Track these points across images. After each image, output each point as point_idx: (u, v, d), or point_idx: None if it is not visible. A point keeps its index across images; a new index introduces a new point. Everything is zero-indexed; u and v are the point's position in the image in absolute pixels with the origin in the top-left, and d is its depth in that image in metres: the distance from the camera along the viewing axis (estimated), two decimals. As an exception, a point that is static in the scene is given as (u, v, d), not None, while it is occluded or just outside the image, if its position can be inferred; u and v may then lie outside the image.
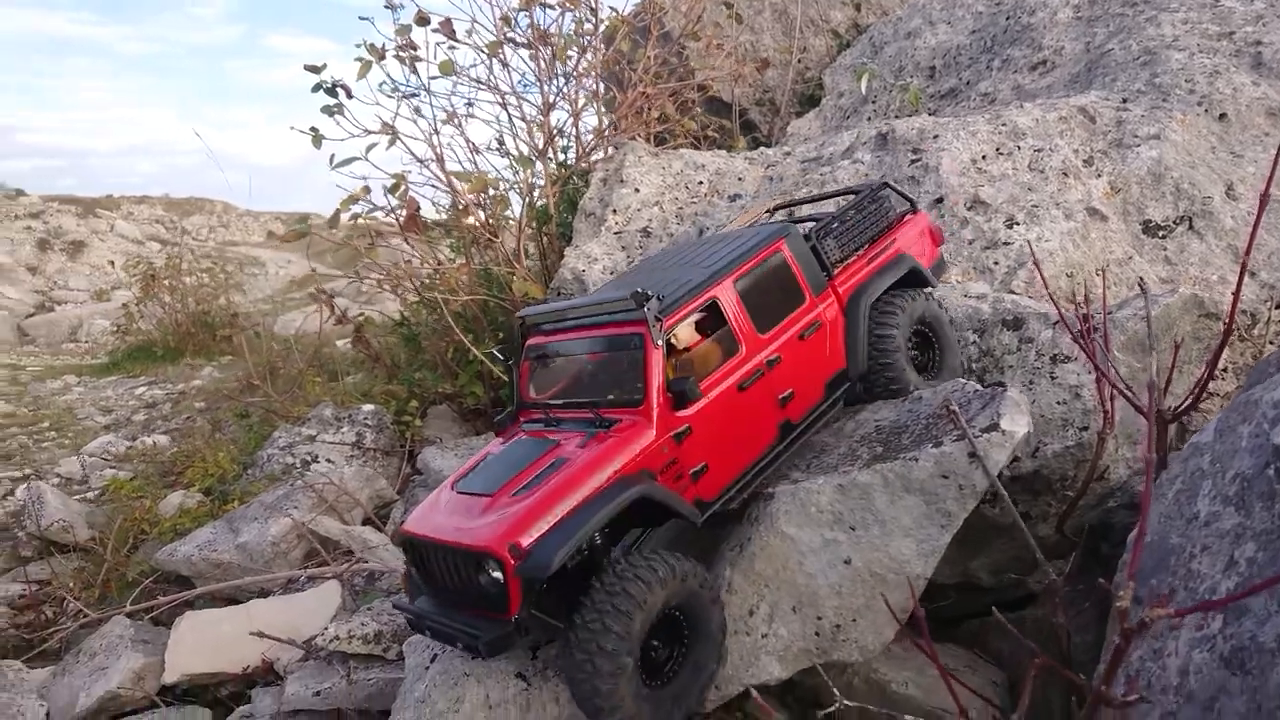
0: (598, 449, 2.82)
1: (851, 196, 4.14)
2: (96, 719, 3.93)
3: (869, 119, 6.95)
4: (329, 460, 6.40)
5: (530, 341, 3.50)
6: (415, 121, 6.76)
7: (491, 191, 6.26)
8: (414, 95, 6.82)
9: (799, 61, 8.40)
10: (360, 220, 6.59)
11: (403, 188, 6.50)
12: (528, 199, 6.48)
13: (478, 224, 6.23)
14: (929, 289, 3.75)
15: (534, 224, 6.62)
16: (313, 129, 6.63)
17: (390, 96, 6.75)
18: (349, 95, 6.66)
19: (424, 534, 2.88)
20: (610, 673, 2.52)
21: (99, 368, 13.33)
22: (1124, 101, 5.59)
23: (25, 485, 6.46)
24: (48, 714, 3.87)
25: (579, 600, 2.62)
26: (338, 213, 6.12)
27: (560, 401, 3.28)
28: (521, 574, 2.54)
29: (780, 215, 4.65)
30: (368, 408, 7.00)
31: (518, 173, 6.69)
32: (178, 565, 5.04)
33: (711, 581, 2.77)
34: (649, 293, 2.96)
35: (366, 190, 6.28)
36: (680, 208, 5.83)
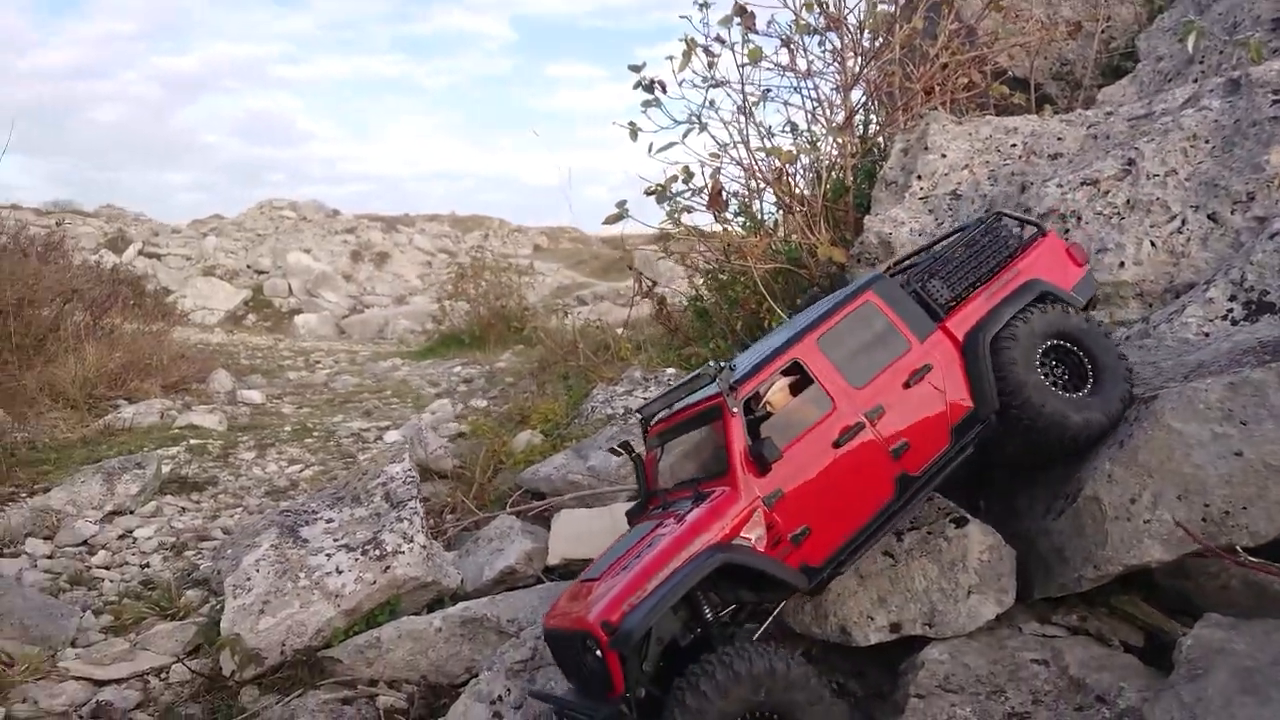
0: (688, 522, 2.87)
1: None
2: (496, 587, 4.76)
3: (1195, 80, 6.61)
4: (645, 411, 7.14)
5: (650, 433, 3.60)
6: (717, 110, 7.30)
7: (798, 163, 6.70)
8: (719, 85, 7.45)
9: (1103, 31, 8.10)
10: (673, 204, 7.29)
11: (711, 168, 7.14)
12: (827, 173, 6.84)
13: (784, 192, 6.68)
14: (1067, 305, 3.40)
15: (830, 195, 6.97)
16: (631, 123, 7.46)
17: (698, 88, 7.42)
18: (664, 90, 7.41)
19: (549, 624, 3.10)
20: None
21: (417, 353, 15.41)
22: None
23: (405, 425, 7.79)
24: (462, 580, 4.75)
25: (675, 678, 2.65)
26: (661, 190, 6.84)
27: (674, 486, 3.35)
28: (614, 647, 2.63)
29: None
30: (670, 371, 7.70)
31: (818, 147, 7.09)
32: (539, 483, 5.90)
33: (819, 689, 2.66)
34: (723, 363, 3.05)
35: (687, 171, 6.97)
36: (992, 170, 5.92)
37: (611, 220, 7.63)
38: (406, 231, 29.86)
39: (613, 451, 3.72)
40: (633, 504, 3.68)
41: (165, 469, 7.16)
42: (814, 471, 2.96)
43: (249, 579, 4.02)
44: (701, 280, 8.40)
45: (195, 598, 4.97)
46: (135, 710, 3.95)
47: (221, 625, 3.98)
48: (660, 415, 3.54)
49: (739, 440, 2.92)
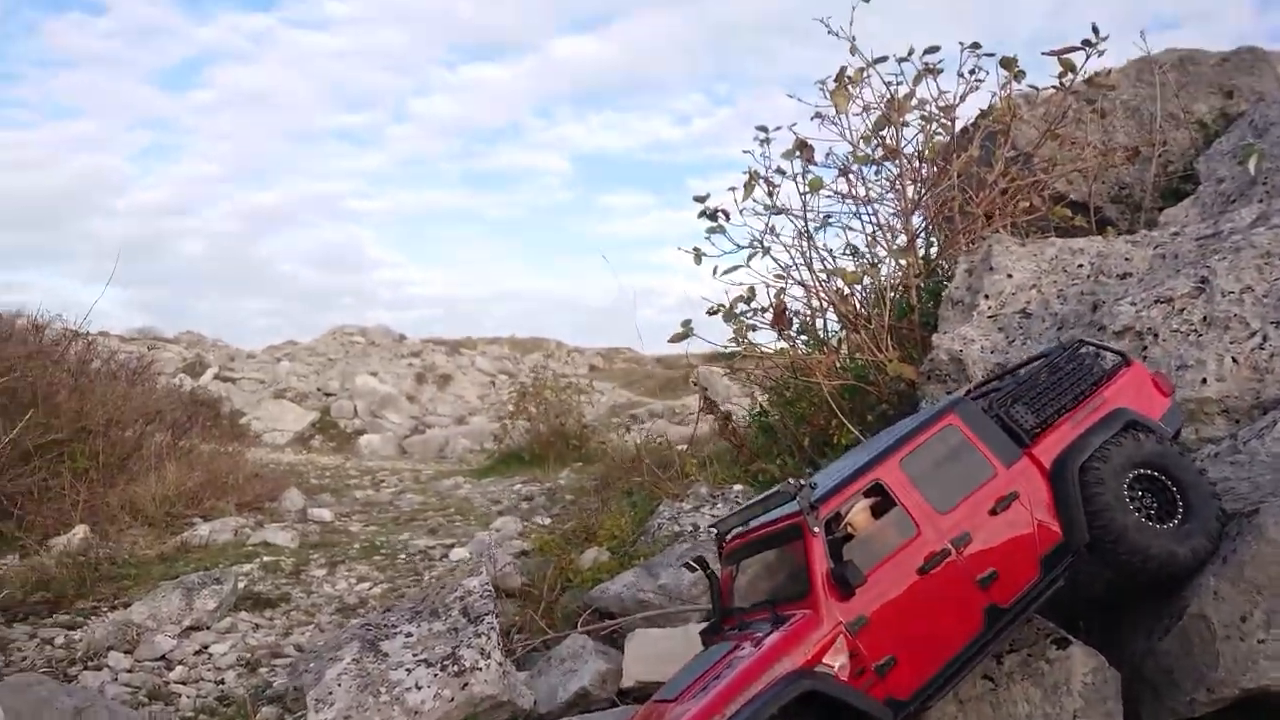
0: (767, 645, 2.81)
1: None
2: (570, 710, 4.67)
3: (1260, 200, 6.69)
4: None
5: (726, 550, 3.56)
6: (778, 235, 7.61)
7: (861, 285, 6.87)
8: (781, 212, 7.77)
9: (1159, 155, 8.29)
10: (738, 322, 7.49)
11: (775, 289, 7.37)
12: (892, 292, 6.98)
13: (849, 311, 6.83)
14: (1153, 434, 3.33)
15: (896, 314, 7.09)
16: (695, 249, 7.81)
17: (759, 215, 7.76)
18: (727, 218, 7.77)
19: None
20: None
21: (478, 471, 15.58)
22: None
23: (471, 542, 7.84)
24: (535, 701, 4.68)
25: None
26: (729, 309, 7.06)
27: (750, 604, 3.30)
28: None
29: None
30: (738, 487, 7.69)
31: (879, 268, 7.27)
32: (608, 602, 5.85)
33: None
34: (804, 482, 3.01)
35: (751, 291, 7.20)
36: (1060, 290, 5.99)
37: (677, 339, 7.84)
38: (468, 354, 30.75)
39: (687, 567, 3.72)
40: (707, 624, 3.61)
41: (240, 585, 7.28)
42: (899, 598, 2.88)
43: (331, 693, 4.04)
44: (764, 396, 8.48)
45: (270, 714, 4.98)
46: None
47: (303, 742, 3.98)
48: (736, 531, 3.50)
49: (821, 562, 2.86)
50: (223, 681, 5.69)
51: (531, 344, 33.17)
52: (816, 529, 2.90)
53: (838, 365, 7.06)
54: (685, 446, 10.49)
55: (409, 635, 4.46)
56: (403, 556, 8.64)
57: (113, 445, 10.73)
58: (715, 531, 3.63)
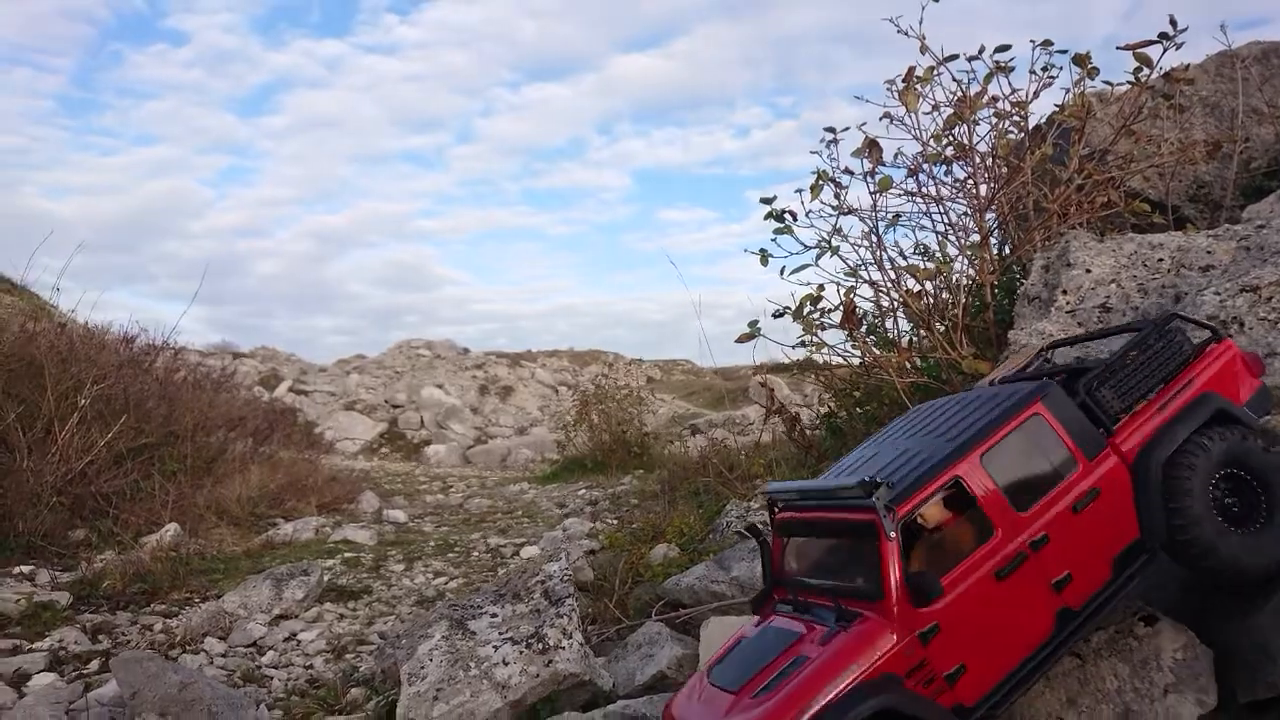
0: (835, 649, 2.74)
1: (1130, 335, 3.62)
2: (647, 693, 4.75)
3: (1348, 191, 6.49)
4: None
5: (779, 517, 3.43)
6: (846, 236, 7.64)
7: (934, 281, 6.86)
8: (849, 213, 7.81)
9: (1242, 152, 8.09)
10: (807, 322, 7.53)
11: (844, 288, 7.40)
12: (966, 290, 6.95)
13: (922, 309, 6.82)
14: (1243, 428, 3.16)
15: (970, 312, 7.05)
16: (761, 250, 7.88)
17: (825, 218, 7.80)
18: (794, 219, 7.83)
19: None
20: None
21: (542, 478, 15.83)
22: None
23: (542, 539, 8.01)
24: (614, 684, 4.78)
25: None
26: (798, 308, 7.11)
27: (808, 583, 3.20)
28: None
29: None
30: (807, 489, 7.71)
31: (951, 265, 7.25)
32: (680, 594, 5.93)
33: None
34: (879, 480, 2.81)
35: (820, 290, 7.24)
36: (1141, 284, 5.90)
37: (744, 339, 7.90)
38: (529, 366, 31.22)
39: (740, 534, 3.60)
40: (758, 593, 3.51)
41: (324, 578, 7.57)
42: (972, 605, 2.77)
43: (423, 667, 4.21)
44: (830, 396, 8.47)
45: (359, 695, 5.17)
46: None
47: (398, 711, 4.15)
48: (791, 501, 3.39)
49: (894, 567, 2.74)
50: (311, 666, 5.93)
51: (590, 356, 33.51)
52: (893, 534, 2.75)
53: (910, 364, 7.04)
54: (753, 449, 10.51)
55: (494, 616, 4.61)
56: (475, 554, 8.86)
57: (199, 450, 11.27)
58: (768, 496, 3.48)
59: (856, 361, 7.52)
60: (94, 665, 5.77)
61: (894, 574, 2.73)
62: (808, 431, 8.21)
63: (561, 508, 11.96)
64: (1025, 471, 2.92)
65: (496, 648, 4.31)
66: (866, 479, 2.81)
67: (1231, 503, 3.05)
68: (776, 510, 3.46)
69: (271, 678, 5.75)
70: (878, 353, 7.76)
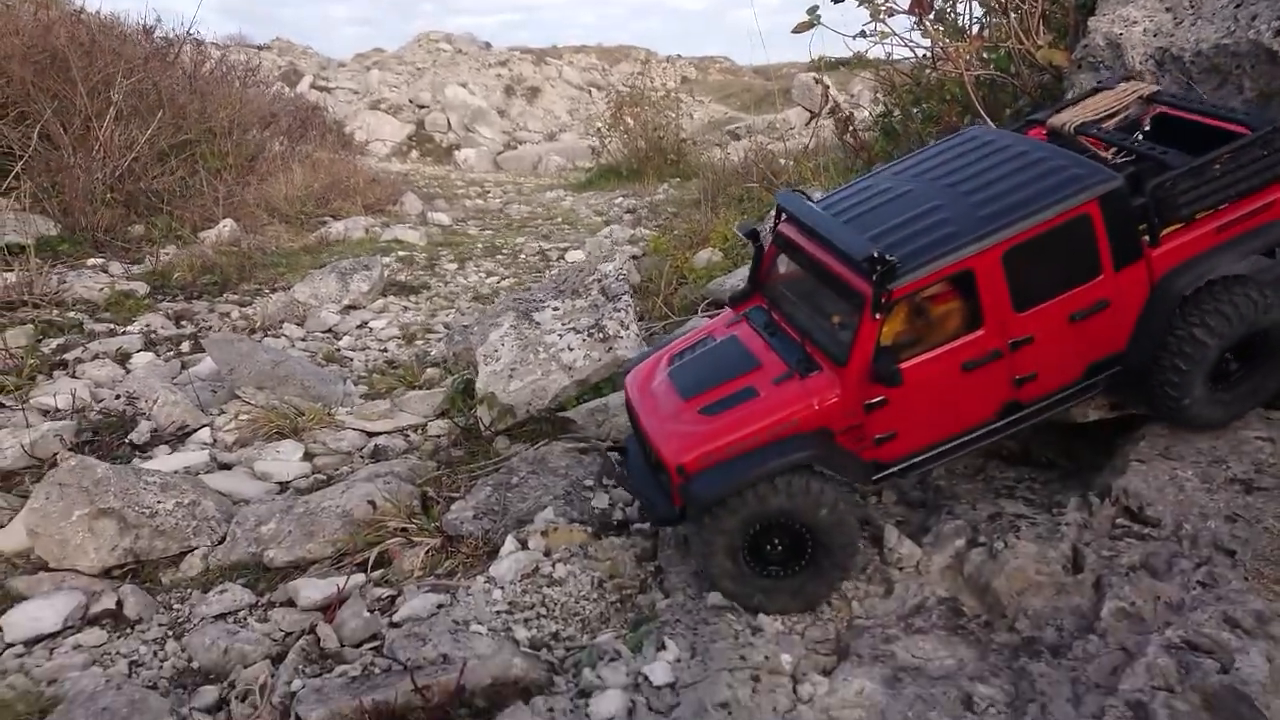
0: (784, 394, 2.77)
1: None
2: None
3: None
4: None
5: (780, 229, 3.23)
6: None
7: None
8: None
9: None
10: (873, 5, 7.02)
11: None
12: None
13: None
14: None
15: None
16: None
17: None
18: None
19: (635, 410, 3.14)
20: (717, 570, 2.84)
21: (577, 185, 15.78)
22: None
23: (585, 244, 8.23)
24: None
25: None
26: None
27: (784, 309, 3.11)
28: (680, 493, 2.80)
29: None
30: (852, 194, 7.71)
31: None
32: (723, 294, 6.18)
33: (846, 511, 2.76)
34: (887, 257, 2.56)
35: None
36: (1243, -33, 5.38)
37: (801, 28, 7.43)
38: (555, 64, 29.73)
39: (740, 232, 3.44)
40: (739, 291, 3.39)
41: (385, 274, 7.94)
42: (928, 390, 2.73)
43: (497, 350, 4.59)
44: (888, 96, 8.14)
45: (434, 374, 5.69)
46: (405, 454, 4.69)
47: (477, 386, 4.61)
48: (795, 219, 3.14)
49: (865, 344, 2.66)
50: (386, 349, 6.45)
51: (620, 53, 31.70)
52: (877, 315, 2.62)
53: (981, 54, 6.66)
54: (800, 154, 10.32)
55: (556, 309, 4.92)
56: (523, 256, 9.16)
57: (238, 147, 11.28)
58: (776, 201, 3.27)
59: (923, 52, 7.11)
60: (185, 346, 6.28)
61: (862, 349, 2.68)
62: (860, 133, 8.01)
63: (600, 215, 12.08)
64: (1043, 272, 2.67)
65: (561, 336, 4.66)
66: (875, 255, 2.59)
67: (1235, 368, 2.92)
68: (781, 218, 3.28)
69: (351, 359, 6.28)
70: (947, 41, 7.32)
